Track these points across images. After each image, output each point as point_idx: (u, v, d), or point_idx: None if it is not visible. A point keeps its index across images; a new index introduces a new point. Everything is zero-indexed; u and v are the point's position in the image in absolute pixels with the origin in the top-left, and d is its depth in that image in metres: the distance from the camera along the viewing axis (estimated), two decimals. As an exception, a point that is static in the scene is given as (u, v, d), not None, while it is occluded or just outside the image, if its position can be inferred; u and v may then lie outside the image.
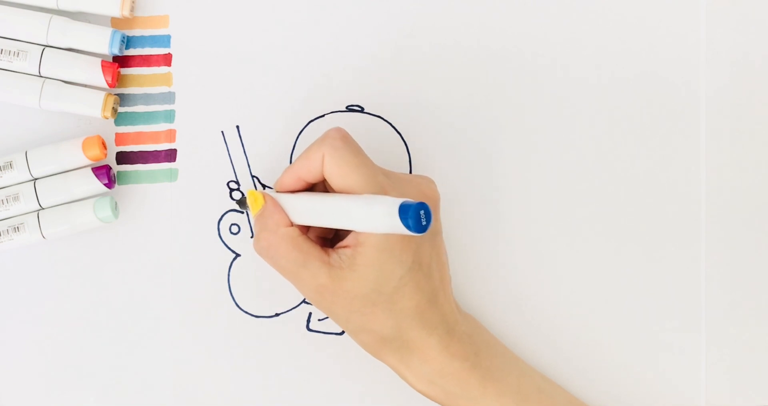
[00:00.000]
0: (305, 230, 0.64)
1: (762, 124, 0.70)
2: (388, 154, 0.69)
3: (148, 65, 0.68)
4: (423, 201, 0.58)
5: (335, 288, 0.62)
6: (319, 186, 0.65)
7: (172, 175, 0.69)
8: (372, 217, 0.59)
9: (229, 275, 0.69)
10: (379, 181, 0.62)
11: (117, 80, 0.67)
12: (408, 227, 0.57)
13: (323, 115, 0.69)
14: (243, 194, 0.68)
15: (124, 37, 0.67)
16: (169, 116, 0.69)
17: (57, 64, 0.67)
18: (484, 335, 0.66)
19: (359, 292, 0.61)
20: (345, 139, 0.62)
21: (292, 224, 0.63)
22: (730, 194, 0.70)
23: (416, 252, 0.62)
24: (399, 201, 0.58)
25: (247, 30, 0.69)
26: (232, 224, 0.69)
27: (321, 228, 0.65)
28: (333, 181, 0.62)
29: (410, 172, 0.69)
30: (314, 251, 0.62)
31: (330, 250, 0.63)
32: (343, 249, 0.62)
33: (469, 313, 0.68)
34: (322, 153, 0.62)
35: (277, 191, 0.65)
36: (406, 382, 0.64)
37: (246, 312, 0.68)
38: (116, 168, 0.68)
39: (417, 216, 0.57)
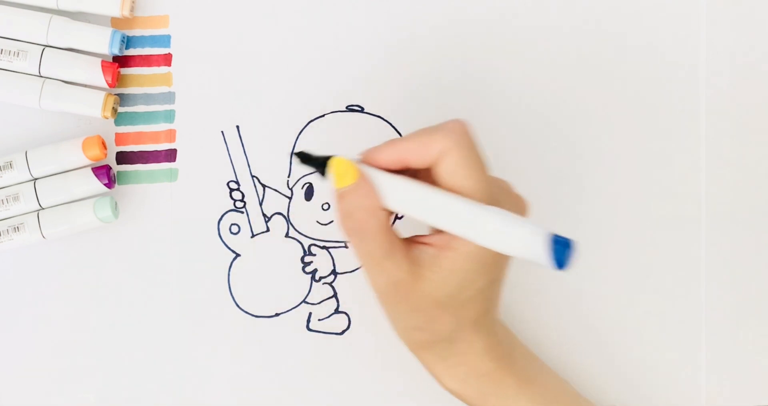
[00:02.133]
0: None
1: (762, 124, 0.70)
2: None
3: (148, 65, 0.68)
4: (522, 216, 0.55)
5: (412, 285, 0.59)
6: (410, 172, 0.60)
7: (172, 175, 0.69)
8: (509, 237, 0.56)
9: (229, 275, 0.69)
10: (494, 192, 0.59)
11: (117, 80, 0.67)
12: (558, 262, 0.54)
13: (323, 115, 0.69)
14: (307, 154, 0.59)
15: (124, 37, 0.67)
16: (169, 116, 0.69)
17: (57, 64, 0.67)
18: (515, 339, 0.65)
19: (435, 294, 0.59)
20: (473, 138, 0.59)
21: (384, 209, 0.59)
22: (730, 194, 0.70)
23: (502, 269, 0.60)
24: (547, 231, 0.54)
25: (247, 30, 0.69)
26: (232, 224, 0.69)
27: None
28: (449, 181, 0.58)
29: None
30: (399, 242, 0.59)
31: (411, 244, 0.60)
32: (427, 247, 0.59)
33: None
34: (446, 146, 0.57)
35: (367, 163, 0.59)
36: (437, 380, 0.63)
37: (246, 312, 0.68)
38: (116, 168, 0.68)
39: (565, 251, 0.54)
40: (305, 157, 0.59)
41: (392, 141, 0.59)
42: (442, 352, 0.62)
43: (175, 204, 0.69)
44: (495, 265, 0.59)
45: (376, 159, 0.59)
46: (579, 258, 0.55)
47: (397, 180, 0.58)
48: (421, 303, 0.59)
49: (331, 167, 0.58)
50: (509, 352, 0.63)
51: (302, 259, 0.69)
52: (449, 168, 0.58)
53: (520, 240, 0.56)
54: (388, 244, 0.58)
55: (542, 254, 0.55)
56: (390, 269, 0.59)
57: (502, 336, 0.64)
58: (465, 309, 0.60)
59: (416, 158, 0.58)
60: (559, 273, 0.56)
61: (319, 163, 0.59)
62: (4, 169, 0.67)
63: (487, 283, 0.59)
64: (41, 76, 0.67)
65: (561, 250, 0.54)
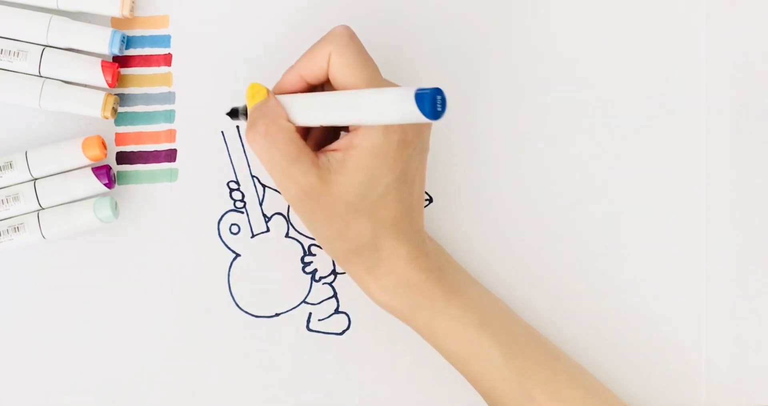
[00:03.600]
0: (303, 135, 0.63)
1: (762, 123, 0.70)
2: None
3: (148, 65, 0.68)
4: None
5: (322, 190, 0.61)
6: (318, 90, 0.64)
7: (172, 175, 0.69)
8: (384, 104, 0.58)
9: (229, 275, 0.69)
10: (385, 82, 0.62)
11: (117, 80, 0.67)
12: (424, 112, 0.56)
13: (323, 115, 0.69)
14: (234, 107, 0.65)
15: (124, 37, 0.67)
16: (169, 116, 0.69)
17: (57, 64, 0.67)
18: (446, 255, 0.66)
19: (345, 196, 0.61)
20: (352, 37, 0.62)
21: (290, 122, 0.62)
22: (730, 194, 0.70)
23: (407, 163, 0.62)
24: (414, 88, 0.57)
25: (247, 30, 0.69)
26: (232, 224, 0.69)
27: (318, 137, 0.65)
28: (338, 79, 0.61)
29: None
30: (307, 150, 0.61)
31: (319, 153, 0.62)
32: (333, 152, 0.61)
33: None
34: (329, 51, 0.61)
35: (276, 94, 0.63)
36: (368, 294, 0.64)
37: (246, 312, 0.68)
38: (116, 168, 0.68)
39: (434, 101, 0.56)
40: (234, 113, 0.65)
41: (289, 67, 0.63)
42: (368, 261, 0.63)
43: (175, 204, 0.69)
44: (396, 159, 0.61)
45: (281, 85, 0.63)
46: (451, 105, 0.57)
47: (296, 96, 0.62)
48: (335, 208, 0.61)
49: (247, 91, 0.63)
50: (439, 265, 0.64)
51: (302, 259, 0.69)
52: (334, 69, 0.61)
53: (392, 104, 0.58)
54: (295, 151, 0.61)
55: (414, 110, 0.56)
56: (297, 175, 0.61)
57: (431, 249, 0.64)
58: (379, 210, 0.61)
59: (309, 72, 0.62)
60: (433, 122, 0.58)
61: (244, 111, 0.64)
62: (4, 169, 0.67)
63: (393, 179, 0.61)
64: (41, 76, 0.67)
65: (428, 101, 0.56)
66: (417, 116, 0.56)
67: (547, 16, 0.69)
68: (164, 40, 0.69)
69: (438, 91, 0.56)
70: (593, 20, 0.70)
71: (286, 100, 0.62)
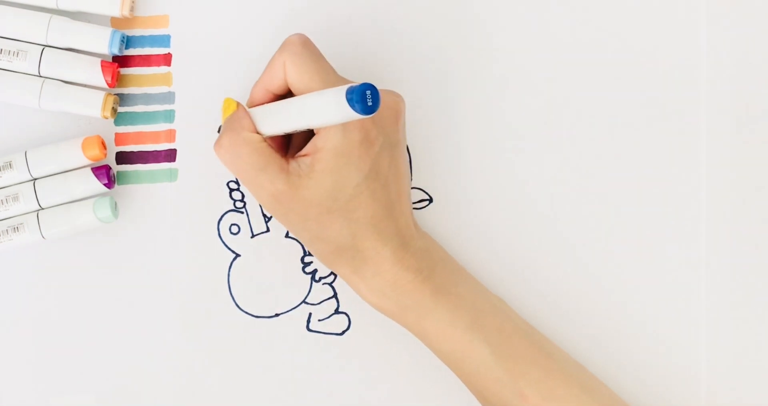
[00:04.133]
0: (275, 145, 0.64)
1: (762, 124, 0.70)
2: (388, 154, 0.69)
3: (148, 65, 0.68)
4: (384, 110, 0.60)
5: (292, 195, 0.62)
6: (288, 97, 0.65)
7: (172, 175, 0.69)
8: (324, 107, 0.59)
9: (229, 275, 0.69)
10: (342, 81, 0.62)
11: (117, 80, 0.67)
12: (354, 108, 0.57)
13: (323, 115, 0.69)
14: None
15: (123, 37, 0.67)
16: (169, 116, 0.68)
17: (57, 64, 0.66)
18: (440, 253, 0.66)
19: (316, 199, 0.62)
20: (305, 44, 0.63)
21: (257, 133, 0.63)
22: (730, 194, 0.70)
23: (375, 161, 0.62)
24: (345, 87, 0.58)
25: (247, 30, 0.69)
26: (232, 224, 0.69)
27: (299, 141, 0.65)
28: (296, 86, 0.62)
29: (410, 171, 0.69)
30: (274, 157, 0.62)
31: (290, 159, 0.63)
32: (302, 158, 0.62)
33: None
34: (283, 60, 0.62)
35: (249, 107, 0.65)
36: (359, 294, 0.64)
37: (246, 312, 0.68)
38: (116, 168, 0.68)
39: (363, 97, 0.57)
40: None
41: (256, 81, 0.64)
42: (352, 262, 0.63)
43: (175, 204, 0.69)
44: (361, 157, 0.61)
45: (251, 100, 0.65)
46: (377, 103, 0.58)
47: (260, 107, 0.64)
48: (307, 211, 0.62)
49: (222, 105, 0.64)
50: (429, 264, 0.64)
51: (302, 259, 0.69)
52: (291, 78, 0.62)
53: (329, 104, 0.58)
54: (261, 160, 0.62)
55: (347, 108, 0.57)
56: (265, 183, 0.62)
57: (419, 248, 0.64)
58: (352, 211, 0.62)
59: (271, 83, 0.63)
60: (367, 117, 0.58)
61: None
62: (3, 169, 0.66)
63: (363, 178, 0.62)
64: (41, 76, 0.67)
65: (357, 97, 0.57)
66: (351, 114, 0.57)
67: (547, 16, 0.69)
68: (164, 40, 0.69)
69: (367, 86, 0.57)
70: (593, 20, 0.69)
71: (255, 112, 0.64)
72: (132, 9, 0.67)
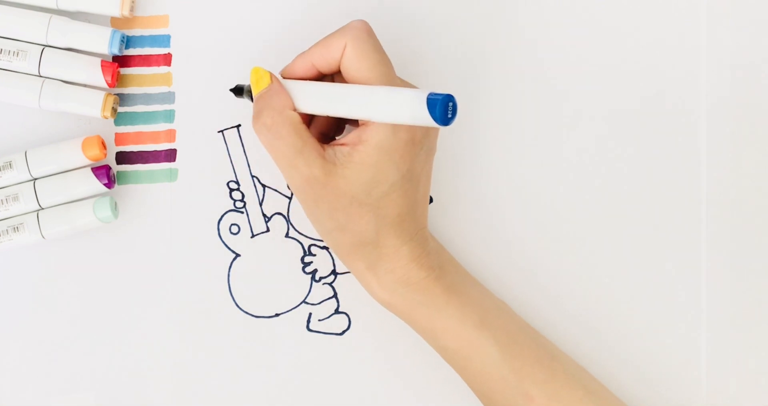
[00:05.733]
0: (307, 121, 0.63)
1: (762, 124, 0.70)
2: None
3: (148, 65, 0.68)
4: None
5: (326, 182, 0.61)
6: (327, 80, 0.64)
7: (172, 175, 0.69)
8: (396, 105, 0.59)
9: (229, 275, 0.69)
10: (398, 81, 0.62)
11: (117, 80, 0.67)
12: (434, 117, 0.57)
13: (323, 115, 0.69)
14: (239, 84, 0.66)
15: (123, 37, 0.67)
16: (169, 116, 0.69)
17: (57, 64, 0.66)
18: (447, 254, 0.66)
19: (350, 190, 0.61)
20: (370, 33, 0.62)
21: (295, 110, 0.62)
22: (730, 194, 0.70)
23: (413, 161, 0.62)
24: (426, 92, 0.57)
25: (247, 30, 0.69)
26: (232, 224, 0.69)
27: (322, 125, 0.65)
28: (350, 73, 0.61)
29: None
30: (312, 140, 0.62)
31: (326, 146, 0.62)
32: (341, 146, 0.62)
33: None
34: (345, 43, 0.61)
35: (285, 77, 0.64)
36: (368, 291, 0.64)
37: (246, 312, 0.68)
38: (116, 168, 0.68)
39: (445, 107, 0.57)
40: (238, 90, 0.65)
41: (302, 53, 0.63)
42: (369, 257, 0.63)
43: (175, 204, 0.69)
44: (403, 156, 0.61)
45: (291, 70, 0.63)
46: (460, 113, 0.59)
47: (306, 83, 0.62)
48: (338, 200, 0.61)
49: (251, 76, 0.63)
50: (440, 263, 0.64)
51: (302, 259, 0.69)
52: (347, 62, 0.61)
53: (404, 105, 0.58)
54: (300, 142, 0.61)
55: (425, 114, 0.57)
56: (302, 166, 0.61)
57: (432, 248, 0.64)
58: (383, 207, 0.62)
59: (322, 60, 0.62)
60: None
61: (249, 92, 0.64)
62: (3, 169, 0.66)
63: (399, 177, 0.61)
64: (41, 76, 0.67)
65: (440, 107, 0.57)
66: (427, 120, 0.57)
67: (547, 17, 0.69)
68: (164, 40, 0.69)
69: (450, 98, 0.57)
70: (594, 20, 0.69)
71: (294, 86, 0.63)
72: (132, 9, 0.67)
